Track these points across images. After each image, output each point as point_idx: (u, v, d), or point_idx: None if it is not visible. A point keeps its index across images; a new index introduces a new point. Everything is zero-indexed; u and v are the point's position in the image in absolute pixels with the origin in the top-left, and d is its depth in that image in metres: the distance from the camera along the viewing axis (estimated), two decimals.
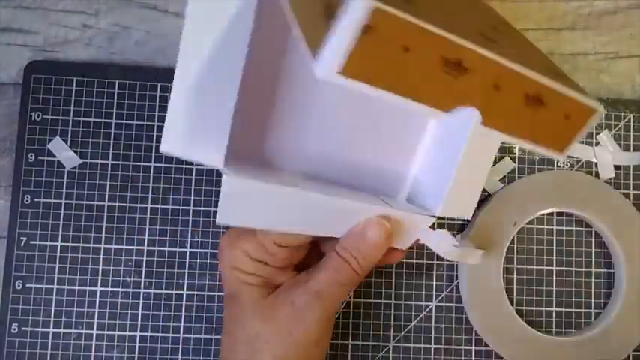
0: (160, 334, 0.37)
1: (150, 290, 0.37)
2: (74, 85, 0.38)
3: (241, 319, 0.29)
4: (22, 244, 0.36)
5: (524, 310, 0.38)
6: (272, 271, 0.30)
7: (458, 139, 0.29)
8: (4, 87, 0.38)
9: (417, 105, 0.22)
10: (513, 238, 0.38)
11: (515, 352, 0.37)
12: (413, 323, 0.38)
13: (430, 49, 0.21)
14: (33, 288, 0.36)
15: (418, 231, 0.30)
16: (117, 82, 0.38)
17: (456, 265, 0.38)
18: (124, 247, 0.37)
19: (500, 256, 0.37)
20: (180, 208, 0.37)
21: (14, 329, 0.36)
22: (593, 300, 0.39)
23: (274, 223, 0.28)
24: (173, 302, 0.37)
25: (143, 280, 0.37)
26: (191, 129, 0.25)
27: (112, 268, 0.37)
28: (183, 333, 0.37)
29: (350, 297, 0.38)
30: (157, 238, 0.37)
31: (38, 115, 0.37)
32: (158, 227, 0.37)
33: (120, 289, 0.37)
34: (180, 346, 0.37)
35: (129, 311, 0.37)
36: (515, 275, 0.38)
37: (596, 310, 0.39)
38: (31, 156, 0.37)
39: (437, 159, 0.32)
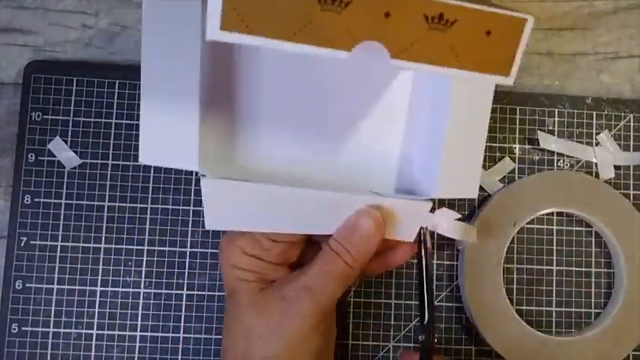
0: (160, 334, 0.37)
1: (150, 290, 0.37)
2: (74, 85, 0.38)
3: (237, 314, 0.30)
4: (22, 244, 0.36)
5: (524, 310, 0.38)
6: (267, 267, 0.30)
7: (436, 99, 0.29)
8: (4, 87, 0.38)
9: (312, 48, 0.22)
10: (513, 238, 0.38)
11: (515, 352, 0.37)
12: (413, 323, 0.38)
13: None
14: (33, 288, 0.36)
15: (417, 218, 0.30)
16: (117, 82, 0.38)
17: (456, 264, 0.38)
18: (124, 247, 0.37)
19: (500, 256, 0.37)
20: (180, 208, 0.37)
21: (14, 329, 0.36)
22: (593, 300, 0.39)
23: (264, 224, 0.29)
24: (173, 302, 0.37)
25: (143, 280, 0.37)
26: (163, 139, 0.26)
27: (112, 268, 0.37)
28: (183, 333, 0.37)
29: (350, 297, 0.38)
30: (157, 238, 0.37)
31: (38, 115, 0.37)
32: (158, 227, 0.37)
33: (120, 289, 0.37)
34: (180, 346, 0.37)
35: (129, 311, 0.37)
36: (515, 275, 0.38)
37: (596, 310, 0.39)
38: (31, 156, 0.37)
39: (422, 137, 0.31)
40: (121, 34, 0.39)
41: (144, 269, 0.37)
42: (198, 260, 0.37)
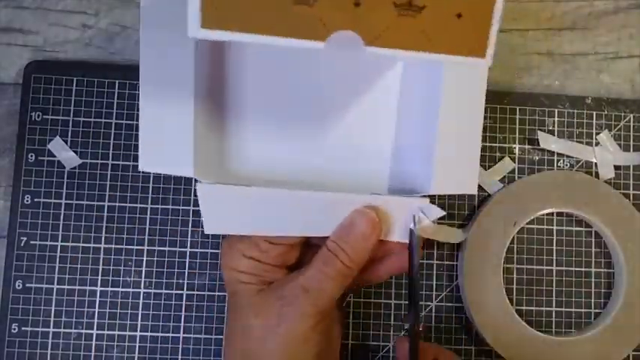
0: (160, 334, 0.37)
1: (150, 290, 0.37)
2: (74, 85, 0.38)
3: (237, 314, 0.30)
4: (22, 244, 0.36)
5: (524, 310, 0.38)
6: (265, 269, 0.30)
7: (427, 93, 0.28)
8: (4, 87, 0.38)
9: (288, 41, 0.22)
10: (513, 238, 0.38)
11: (515, 352, 0.37)
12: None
13: None
14: (33, 288, 0.36)
15: (412, 217, 0.30)
16: (117, 82, 0.38)
17: (456, 264, 0.38)
18: (124, 247, 0.37)
19: (500, 256, 0.37)
20: (180, 208, 0.37)
21: (14, 329, 0.36)
22: (593, 300, 0.39)
23: (261, 227, 0.29)
24: (173, 302, 0.37)
25: (143, 280, 0.37)
26: (161, 147, 0.27)
27: (112, 268, 0.37)
28: (183, 333, 0.37)
29: (350, 297, 0.38)
30: (157, 238, 0.37)
31: (38, 115, 0.37)
32: (158, 227, 0.37)
33: (120, 289, 0.37)
34: (180, 346, 0.37)
35: (129, 311, 0.37)
36: (515, 275, 0.38)
37: (596, 310, 0.39)
38: (31, 156, 0.37)
39: (415, 133, 0.31)
40: (121, 34, 0.39)
41: (144, 269, 0.37)
42: (198, 260, 0.37)
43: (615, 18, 0.41)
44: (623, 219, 0.38)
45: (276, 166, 0.32)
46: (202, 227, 0.37)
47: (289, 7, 0.22)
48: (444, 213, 0.30)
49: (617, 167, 0.39)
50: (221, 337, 0.37)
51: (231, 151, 0.31)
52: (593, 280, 0.39)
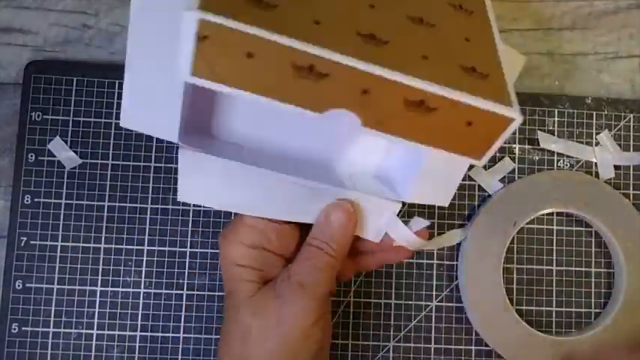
0: (160, 334, 0.37)
1: (150, 290, 0.37)
2: (74, 85, 0.38)
3: (234, 315, 0.30)
4: (22, 244, 0.36)
5: (524, 310, 0.38)
6: (269, 259, 0.30)
7: None
8: (4, 87, 0.38)
9: (281, 104, 0.22)
10: (513, 238, 0.38)
11: (515, 352, 0.37)
12: (413, 323, 0.38)
13: (275, 56, 0.21)
14: (33, 288, 0.36)
15: (383, 219, 0.30)
16: (117, 82, 0.38)
17: (456, 264, 0.38)
18: (124, 247, 0.37)
19: (500, 256, 0.37)
20: (181, 208, 0.37)
21: (14, 329, 0.36)
22: (593, 300, 0.39)
23: (237, 204, 0.28)
24: (173, 302, 0.37)
25: (143, 280, 0.37)
26: (146, 106, 0.26)
27: (112, 268, 0.37)
28: (183, 333, 0.37)
29: (350, 297, 0.38)
30: (157, 238, 0.37)
31: (38, 115, 0.37)
32: (158, 227, 0.37)
33: (120, 289, 0.37)
34: (180, 346, 0.37)
35: (129, 311, 0.37)
36: (515, 275, 0.38)
37: (596, 310, 0.39)
38: (31, 156, 0.37)
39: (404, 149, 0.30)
40: (121, 34, 0.39)
41: (144, 269, 0.37)
42: (198, 260, 0.37)
43: (615, 18, 0.41)
44: (623, 219, 0.38)
45: (264, 143, 0.31)
46: (203, 224, 0.37)
47: (290, 79, 0.21)
48: (428, 223, 0.30)
49: (617, 167, 0.39)
50: None
51: (219, 121, 0.31)
52: (593, 280, 0.39)
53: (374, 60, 0.21)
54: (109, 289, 0.37)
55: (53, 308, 0.36)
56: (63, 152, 0.37)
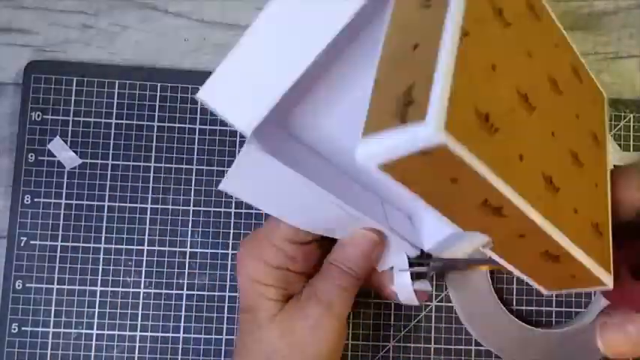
0: (160, 334, 0.37)
1: (150, 290, 0.37)
2: (74, 85, 0.38)
3: (258, 334, 0.29)
4: (22, 244, 0.36)
5: (524, 310, 0.38)
6: (292, 278, 0.29)
7: None
8: (4, 87, 0.38)
9: (441, 215, 0.22)
10: None
11: (505, 345, 0.37)
12: (413, 323, 0.38)
13: (476, 191, 0.20)
14: (33, 288, 0.36)
15: (397, 259, 0.30)
16: (117, 82, 0.38)
17: None
18: (124, 247, 0.37)
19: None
20: (180, 208, 0.37)
21: (14, 329, 0.36)
22: (593, 299, 0.39)
23: (278, 209, 0.27)
24: (173, 302, 0.37)
25: (143, 280, 0.37)
26: (236, 88, 0.24)
27: (112, 268, 0.37)
28: (183, 333, 0.37)
29: None
30: (157, 238, 0.37)
31: (38, 115, 0.37)
32: (158, 227, 0.37)
33: (120, 289, 0.37)
34: (180, 346, 0.37)
35: (129, 311, 0.37)
36: (505, 275, 0.38)
37: (586, 300, 0.38)
38: (31, 156, 0.37)
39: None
40: (121, 34, 0.39)
41: (144, 269, 0.37)
42: (198, 260, 0.37)
43: (615, 18, 0.41)
44: None
45: (338, 156, 0.29)
46: (203, 224, 0.37)
47: (473, 208, 0.21)
48: (431, 290, 0.32)
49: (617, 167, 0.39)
50: (221, 337, 0.37)
51: (302, 120, 0.28)
52: None
53: (550, 215, 0.21)
54: (109, 289, 0.37)
55: (53, 308, 0.36)
56: (63, 152, 0.37)
